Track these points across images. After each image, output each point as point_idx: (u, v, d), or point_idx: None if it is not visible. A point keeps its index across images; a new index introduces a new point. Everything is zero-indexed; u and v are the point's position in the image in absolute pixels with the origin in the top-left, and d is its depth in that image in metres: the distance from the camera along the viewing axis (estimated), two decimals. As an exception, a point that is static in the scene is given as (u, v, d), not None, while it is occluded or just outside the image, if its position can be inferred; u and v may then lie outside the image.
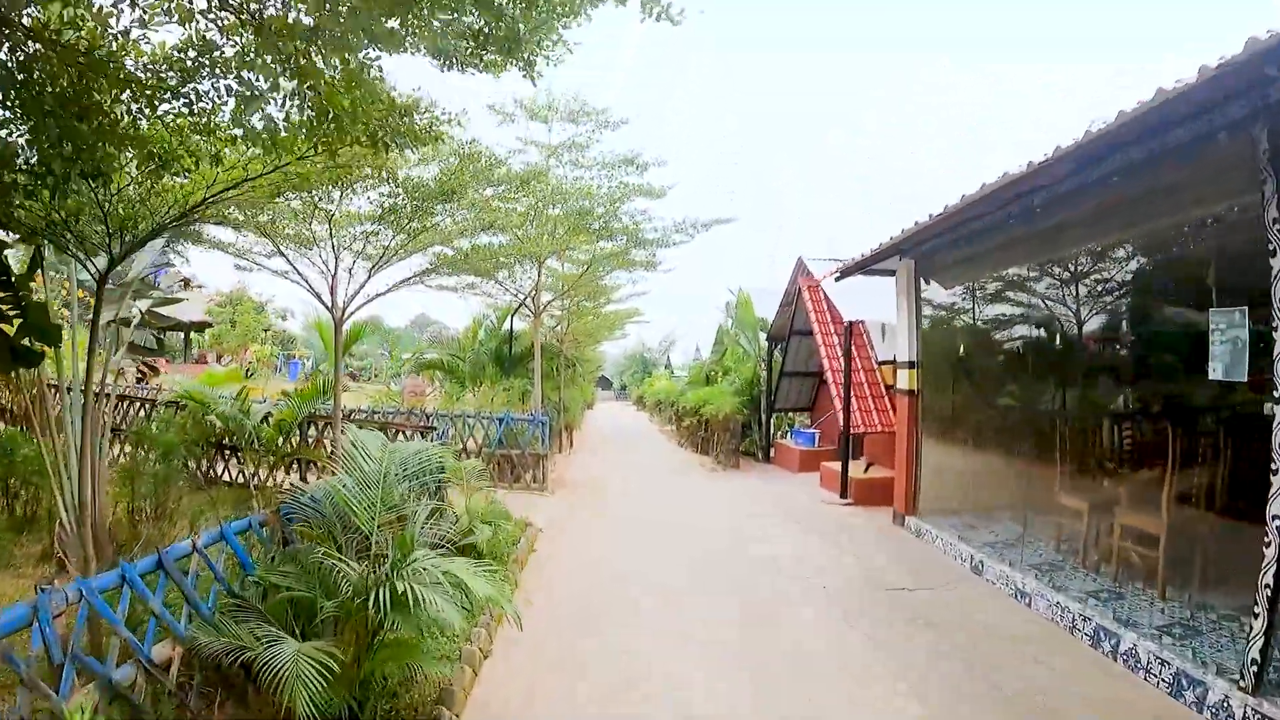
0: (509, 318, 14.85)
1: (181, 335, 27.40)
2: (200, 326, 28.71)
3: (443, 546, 4.06)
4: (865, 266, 8.46)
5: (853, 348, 10.92)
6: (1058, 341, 7.09)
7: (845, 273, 8.66)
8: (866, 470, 10.05)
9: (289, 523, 4.26)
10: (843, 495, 9.73)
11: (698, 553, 7.05)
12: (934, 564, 6.82)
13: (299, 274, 7.84)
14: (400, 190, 6.12)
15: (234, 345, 28.26)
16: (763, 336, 14.95)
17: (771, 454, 14.29)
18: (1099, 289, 6.29)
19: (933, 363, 8.08)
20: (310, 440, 9.44)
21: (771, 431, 14.48)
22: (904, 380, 8.17)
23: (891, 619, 5.41)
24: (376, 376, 30.74)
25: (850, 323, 9.66)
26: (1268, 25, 3.08)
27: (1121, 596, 5.53)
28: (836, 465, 10.79)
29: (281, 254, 7.59)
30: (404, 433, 9.08)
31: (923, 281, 8.06)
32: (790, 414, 15.07)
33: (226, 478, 8.85)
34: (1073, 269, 6.28)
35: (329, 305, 7.53)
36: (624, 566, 6.53)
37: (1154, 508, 5.54)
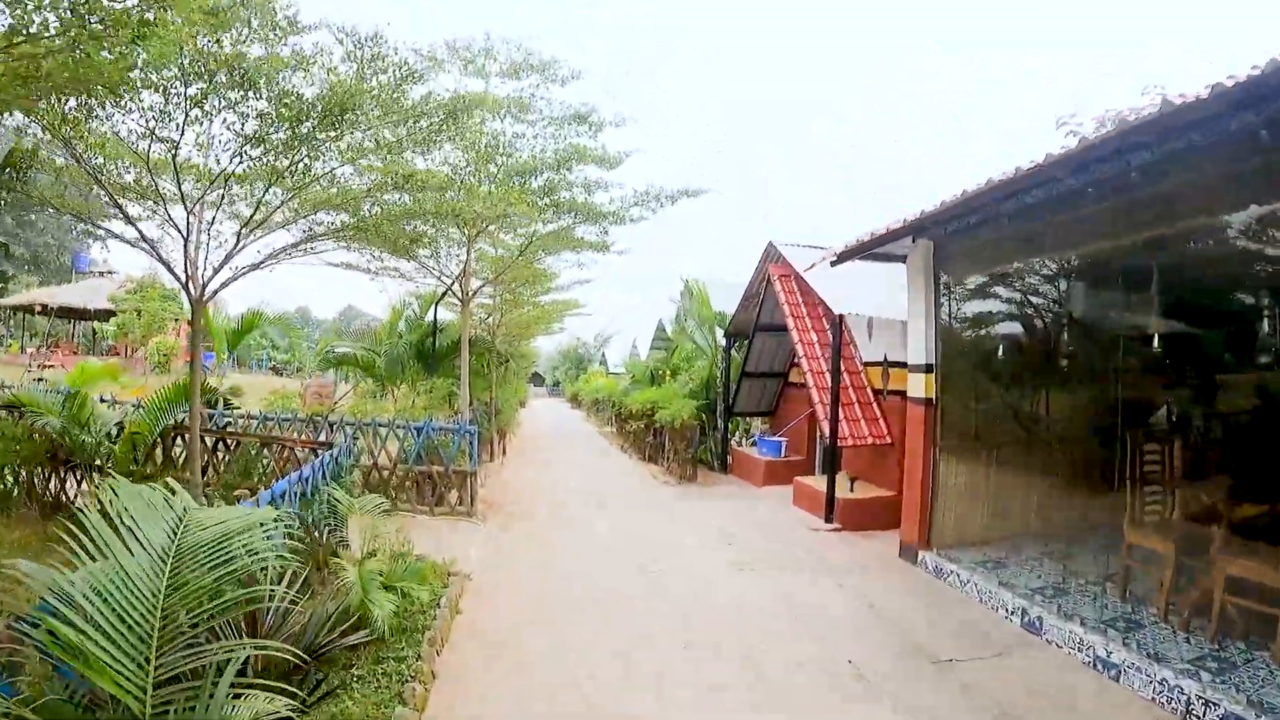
0: (433, 307, 12.79)
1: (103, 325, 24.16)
2: (105, 315, 25.38)
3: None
4: (870, 250, 7.05)
5: (827, 344, 9.59)
6: (1132, 336, 5.91)
7: (844, 256, 7.22)
8: (852, 488, 8.70)
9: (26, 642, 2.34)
10: (828, 518, 8.34)
11: (675, 619, 5.41)
12: (974, 620, 5.44)
13: (143, 237, 5.77)
14: (271, 107, 4.21)
15: (139, 336, 24.66)
16: (720, 333, 13.49)
17: (729, 463, 12.87)
18: (1199, 270, 5.14)
19: (954, 365, 6.77)
20: (177, 458, 7.29)
21: (728, 438, 13.04)
22: (916, 386, 6.81)
23: (955, 713, 3.96)
24: (301, 370, 27.61)
25: (841, 315, 8.27)
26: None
27: (1234, 666, 4.30)
28: (812, 481, 9.43)
29: (117, 206, 5.52)
30: (293, 450, 7.05)
31: (942, 270, 6.72)
32: (747, 419, 13.69)
33: (81, 503, 6.63)
34: (1164, 249, 5.05)
35: (181, 278, 5.49)
36: (579, 642, 4.84)
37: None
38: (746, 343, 12.27)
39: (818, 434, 11.41)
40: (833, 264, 7.38)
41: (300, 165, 4.95)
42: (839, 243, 7.31)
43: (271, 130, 4.43)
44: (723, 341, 13.26)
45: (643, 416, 13.42)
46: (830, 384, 8.43)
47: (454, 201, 6.96)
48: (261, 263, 5.90)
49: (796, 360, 11.83)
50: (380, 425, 8.76)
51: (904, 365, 8.18)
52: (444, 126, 5.36)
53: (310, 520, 5.05)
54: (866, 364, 9.28)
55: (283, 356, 36.11)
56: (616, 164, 8.90)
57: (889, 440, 8.51)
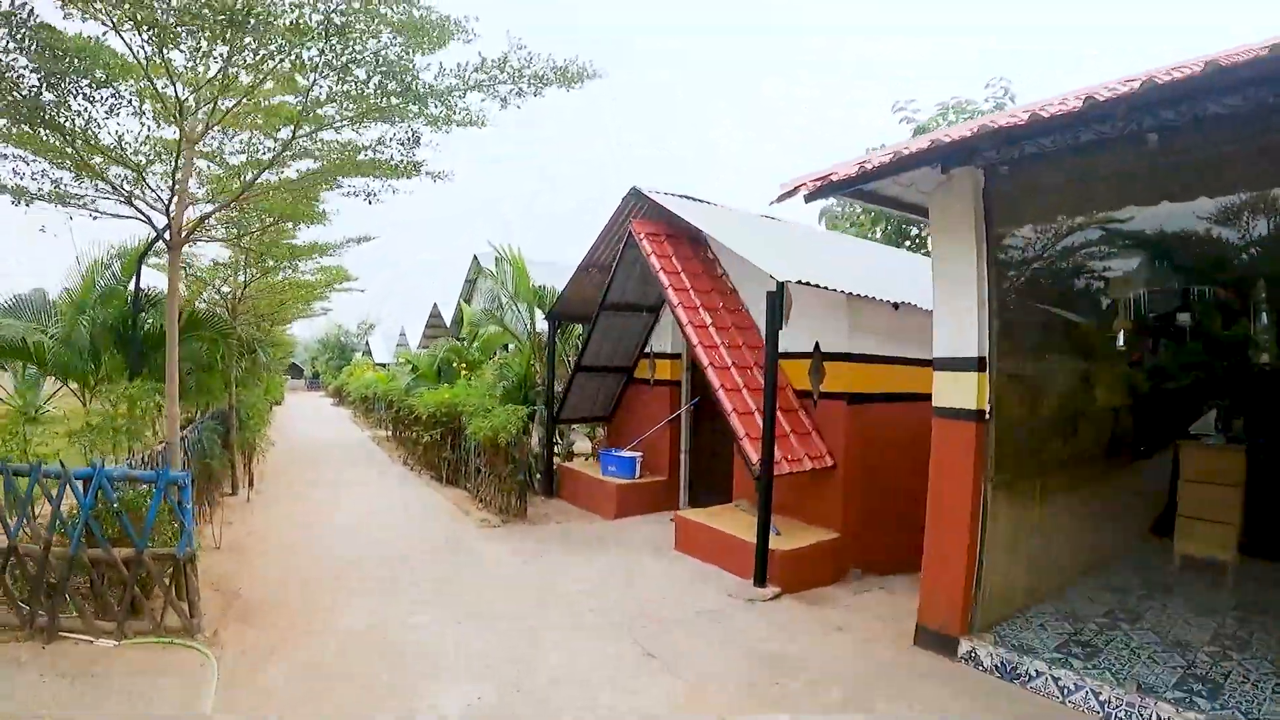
0: (138, 264, 7.50)
1: None
2: None
3: None
4: (870, 180, 4.63)
5: (734, 326, 7.06)
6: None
7: (829, 187, 4.66)
8: (776, 530, 6.24)
9: None
10: (760, 579, 5.76)
11: None
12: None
13: None
14: None
15: None
16: (542, 318, 10.21)
17: (555, 485, 9.71)
18: None
19: (1016, 360, 4.64)
20: None
21: (554, 452, 9.87)
22: (951, 391, 4.52)
23: None
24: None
25: (783, 284, 5.69)
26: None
27: None
28: (703, 517, 6.85)
29: None
30: None
31: (997, 217, 4.50)
32: (576, 426, 10.65)
33: None
34: None
35: None
36: None
37: None
38: (586, 328, 9.21)
39: (681, 447, 8.86)
40: (808, 198, 4.74)
41: None
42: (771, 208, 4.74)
43: None
44: (545, 327, 10.01)
45: (438, 425, 9.58)
46: (765, 384, 5.82)
47: None
48: None
49: (648, 351, 9.16)
50: (17, 472, 4.09)
51: (848, 358, 5.99)
52: None
53: None
54: (784, 355, 6.91)
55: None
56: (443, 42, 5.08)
57: (831, 463, 6.22)
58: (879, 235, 14.13)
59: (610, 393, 9.72)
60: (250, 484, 9.72)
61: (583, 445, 11.41)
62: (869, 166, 4.41)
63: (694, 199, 8.00)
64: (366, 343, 41.37)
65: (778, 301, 5.66)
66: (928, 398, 6.79)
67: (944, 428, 4.51)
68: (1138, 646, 4.40)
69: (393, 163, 5.66)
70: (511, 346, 13.39)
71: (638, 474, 8.71)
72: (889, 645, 4.81)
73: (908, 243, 13.75)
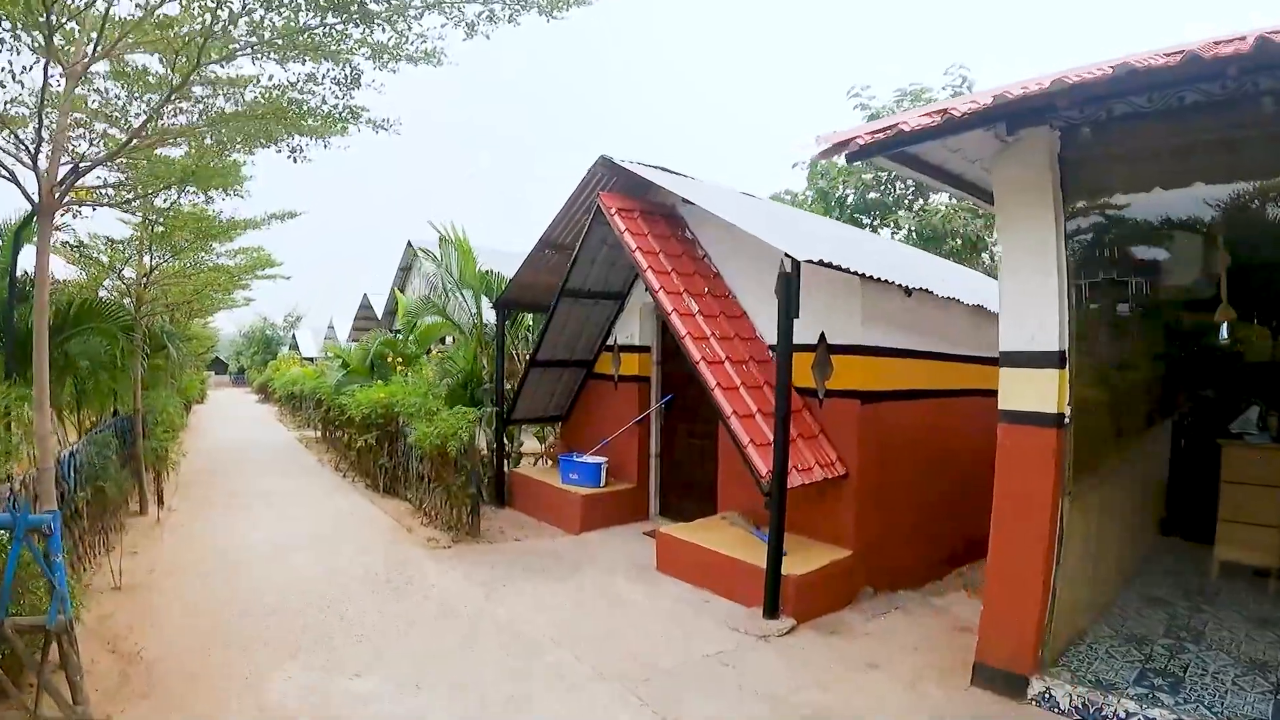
0: (16, 238, 5.91)
1: None
2: None
3: None
4: (919, 139, 3.89)
5: (723, 315, 6.21)
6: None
7: (869, 147, 3.86)
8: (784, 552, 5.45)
9: None
10: (771, 609, 4.94)
11: None
12: None
13: None
14: None
15: None
16: (488, 305, 9.04)
17: (507, 493, 8.61)
18: None
19: (1086, 356, 4.00)
20: None
21: (505, 457, 8.76)
22: (1023, 391, 3.83)
23: None
24: None
25: (798, 263, 4.86)
26: None
27: None
28: (689, 534, 6.03)
29: None
30: None
31: (1074, 185, 3.83)
32: (526, 426, 9.56)
33: None
34: None
35: None
36: None
37: None
38: (544, 318, 8.12)
39: (651, 450, 7.97)
40: (853, 157, 3.94)
41: None
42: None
43: None
44: (493, 317, 8.85)
45: (373, 428, 8.29)
46: (778, 382, 5.00)
47: None
48: None
49: (612, 344, 8.21)
50: None
51: (860, 351, 5.29)
52: None
53: None
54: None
55: None
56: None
57: (843, 471, 5.48)
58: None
59: (567, 390, 8.69)
60: (160, 501, 8.12)
61: (531, 445, 10.34)
62: (931, 120, 3.63)
63: (669, 170, 7.08)
64: (293, 336, 39.73)
65: (793, 286, 4.84)
66: (943, 394, 6.27)
67: (1015, 435, 3.81)
68: (1217, 671, 3.90)
69: (324, 109, 4.44)
70: (450, 340, 12.10)
71: (603, 482, 7.75)
72: (938, 684, 4.11)
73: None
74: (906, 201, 13.68)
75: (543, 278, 8.41)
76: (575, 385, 8.69)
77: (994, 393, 3.95)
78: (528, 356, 9.37)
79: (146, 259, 7.97)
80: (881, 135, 3.57)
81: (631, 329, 8.00)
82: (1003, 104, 3.44)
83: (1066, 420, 3.75)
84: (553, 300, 7.56)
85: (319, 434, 14.59)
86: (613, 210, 6.61)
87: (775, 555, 4.86)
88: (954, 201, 12.79)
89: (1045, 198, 3.79)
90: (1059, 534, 3.81)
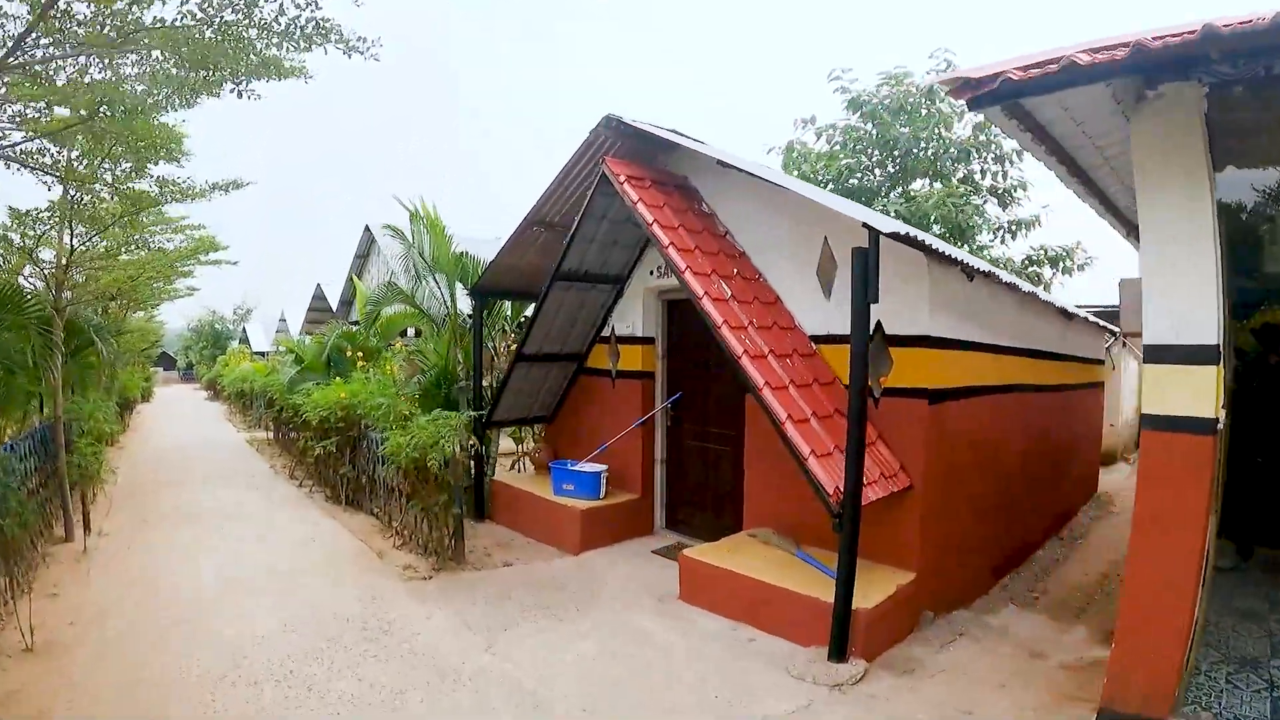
0: None
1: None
2: None
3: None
4: (1033, 90, 3.22)
5: (756, 300, 5.44)
6: None
7: (1001, 92, 3.16)
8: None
9: None
10: (838, 651, 4.23)
11: None
12: None
13: None
14: None
15: None
16: (463, 292, 7.99)
17: (487, 503, 7.67)
18: None
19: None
20: None
21: (485, 463, 7.80)
22: (1175, 393, 3.20)
23: None
24: None
25: (878, 235, 4.10)
26: None
27: None
28: (717, 557, 5.26)
29: None
30: None
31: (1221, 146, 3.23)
32: (506, 429, 8.58)
33: None
34: None
35: None
36: None
37: None
38: (534, 306, 7.19)
39: (656, 456, 7.18)
40: (976, 103, 3.21)
41: None
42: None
43: None
44: (467, 306, 7.82)
45: (332, 432, 7.20)
46: (851, 380, 4.26)
47: None
48: None
49: (608, 334, 7.38)
50: None
51: (926, 342, 4.66)
52: None
53: None
54: (819, 339, 5.42)
55: None
56: None
57: (907, 483, 4.81)
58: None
59: (555, 387, 7.79)
60: (87, 527, 6.81)
61: (505, 445, 9.40)
62: (1041, 63, 2.95)
63: (681, 134, 6.26)
64: (243, 330, 38.55)
65: (871, 263, 4.09)
66: (1002, 390, 5.64)
67: (1164, 444, 3.18)
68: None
69: (280, 22, 3.43)
70: (411, 332, 10.96)
71: (603, 493, 6.91)
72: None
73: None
74: (885, 190, 13.27)
75: (528, 260, 7.47)
76: (564, 382, 7.80)
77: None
78: (506, 349, 8.45)
79: (66, 238, 6.69)
80: (1040, 72, 2.85)
81: (632, 318, 7.16)
82: (1150, 49, 2.79)
83: (1220, 426, 3.15)
84: (543, 285, 6.64)
85: (271, 436, 13.32)
86: (622, 178, 5.73)
87: (846, 588, 4.15)
88: (939, 186, 12.43)
89: (1195, 162, 3.17)
90: (1207, 558, 3.22)
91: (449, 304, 8.04)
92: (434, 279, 8.08)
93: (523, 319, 8.73)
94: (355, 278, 18.88)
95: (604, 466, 6.97)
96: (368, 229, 20.25)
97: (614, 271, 7.06)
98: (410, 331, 11.92)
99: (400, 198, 7.93)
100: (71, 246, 6.81)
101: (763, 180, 5.32)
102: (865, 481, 4.51)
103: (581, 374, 7.71)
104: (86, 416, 7.72)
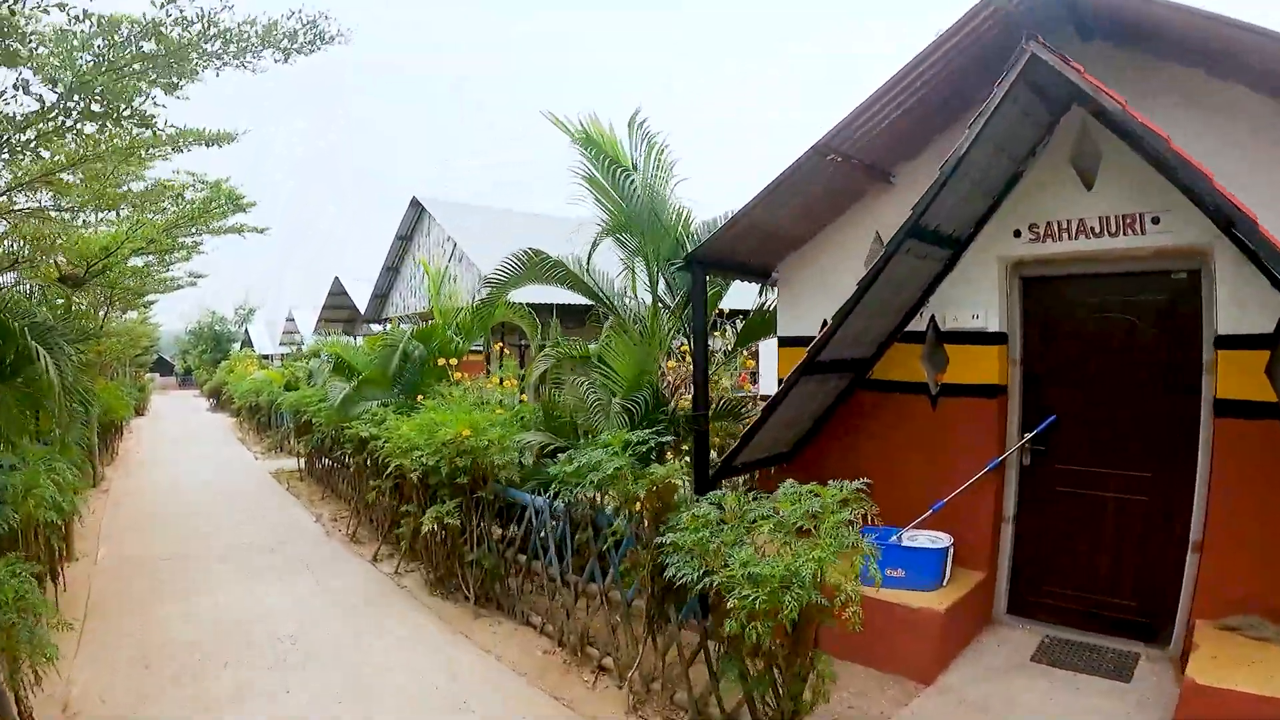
0: None
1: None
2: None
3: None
4: None
5: None
6: None
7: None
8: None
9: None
10: None
11: None
12: None
13: None
14: None
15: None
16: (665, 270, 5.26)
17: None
18: None
19: None
20: None
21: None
22: None
23: None
24: None
25: None
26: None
27: None
28: (1247, 684, 2.78)
29: None
30: None
31: None
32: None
33: None
34: None
35: None
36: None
37: None
38: (859, 285, 4.58)
39: (1004, 513, 4.69)
40: None
41: None
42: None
43: None
44: (665, 291, 5.11)
45: (447, 487, 4.41)
46: None
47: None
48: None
49: (926, 327, 4.89)
50: None
51: None
52: None
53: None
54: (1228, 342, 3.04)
55: None
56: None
57: None
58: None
59: (816, 410, 5.17)
60: (63, 589, 3.73)
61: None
62: None
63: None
64: (246, 331, 36.74)
65: None
66: None
67: None
68: None
69: None
70: (498, 326, 8.02)
71: (947, 577, 4.37)
72: None
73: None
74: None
75: (780, 219, 4.88)
76: (828, 403, 5.19)
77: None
78: (749, 351, 5.81)
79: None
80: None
81: (972, 303, 4.64)
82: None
83: None
84: (887, 247, 4.01)
85: (302, 467, 10.23)
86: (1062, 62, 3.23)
87: None
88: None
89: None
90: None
91: (649, 284, 5.26)
92: (625, 240, 5.26)
93: (719, 311, 6.00)
94: (392, 269, 15.98)
95: (949, 538, 4.43)
96: (415, 201, 16.62)
97: (954, 231, 4.53)
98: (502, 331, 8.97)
99: (562, 117, 5.15)
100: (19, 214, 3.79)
101: None
102: None
103: (860, 389, 5.13)
104: (18, 498, 4.37)
